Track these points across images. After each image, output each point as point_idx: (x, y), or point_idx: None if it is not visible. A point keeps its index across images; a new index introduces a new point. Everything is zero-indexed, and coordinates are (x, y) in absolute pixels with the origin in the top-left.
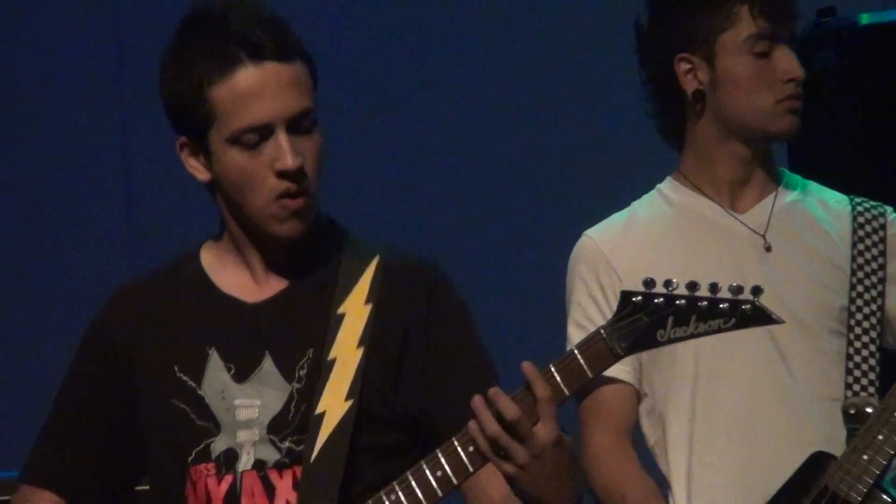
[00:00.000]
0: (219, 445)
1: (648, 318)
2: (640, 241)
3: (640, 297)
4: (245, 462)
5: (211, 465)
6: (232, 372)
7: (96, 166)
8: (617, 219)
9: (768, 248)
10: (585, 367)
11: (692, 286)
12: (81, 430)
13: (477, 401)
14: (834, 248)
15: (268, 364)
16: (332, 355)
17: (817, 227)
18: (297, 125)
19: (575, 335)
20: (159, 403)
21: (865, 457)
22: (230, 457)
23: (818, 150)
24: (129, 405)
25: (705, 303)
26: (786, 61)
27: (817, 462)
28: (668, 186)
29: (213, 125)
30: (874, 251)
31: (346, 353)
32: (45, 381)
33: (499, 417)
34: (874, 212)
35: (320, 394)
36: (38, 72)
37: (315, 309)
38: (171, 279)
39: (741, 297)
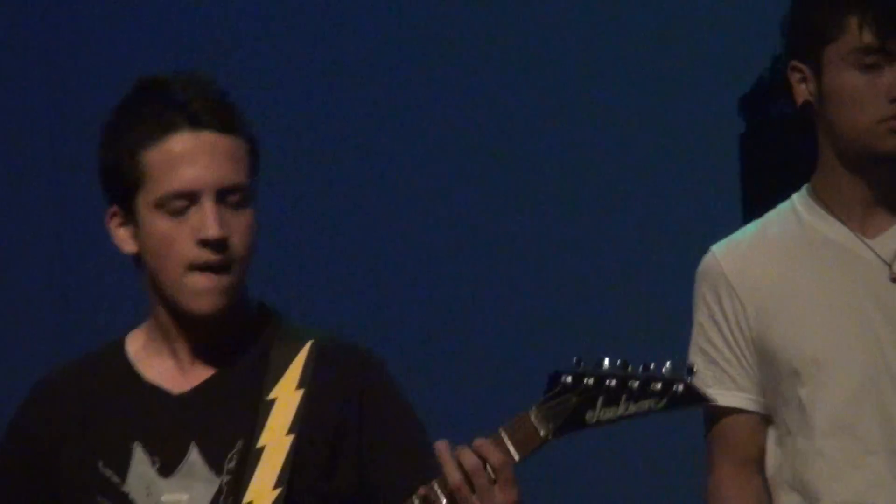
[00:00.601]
0: None
1: (577, 399)
2: (766, 263)
3: (569, 378)
4: None
5: None
6: (157, 466)
7: (29, 244)
8: (747, 232)
9: (894, 279)
10: (513, 450)
11: (624, 365)
12: None
13: (440, 445)
14: None
15: (194, 456)
16: (261, 443)
17: None
18: (227, 198)
19: (696, 358)
20: (83, 501)
21: None
22: None
23: (777, 200)
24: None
25: (636, 383)
26: (892, 78)
27: None
28: (802, 202)
29: (141, 189)
30: None
31: (276, 440)
32: None
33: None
34: None
35: (248, 483)
36: None
37: (244, 395)
38: (94, 370)
39: (674, 376)
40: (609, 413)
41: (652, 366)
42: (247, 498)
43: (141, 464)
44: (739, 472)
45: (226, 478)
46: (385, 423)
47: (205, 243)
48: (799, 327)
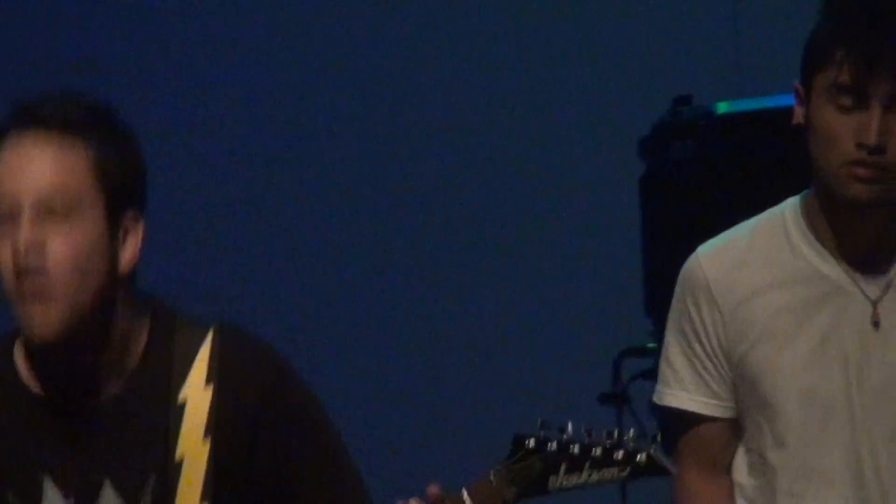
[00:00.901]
0: None
1: (541, 464)
2: (752, 281)
3: (532, 442)
4: None
5: None
6: (72, 502)
7: None
8: (735, 242)
9: (876, 324)
10: None
11: (588, 432)
12: None
13: (432, 489)
14: None
15: (109, 492)
16: (178, 455)
17: None
18: (48, 207)
19: (675, 359)
20: None
21: None
22: None
23: (679, 250)
24: None
25: (599, 451)
26: (864, 122)
27: None
28: (793, 220)
29: None
30: None
31: (194, 448)
32: None
33: None
34: None
35: (173, 502)
36: None
37: (152, 404)
38: None
39: (637, 447)
40: (572, 480)
41: (615, 433)
42: None
43: (54, 500)
44: (709, 473)
45: None
46: (299, 422)
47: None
48: (777, 359)
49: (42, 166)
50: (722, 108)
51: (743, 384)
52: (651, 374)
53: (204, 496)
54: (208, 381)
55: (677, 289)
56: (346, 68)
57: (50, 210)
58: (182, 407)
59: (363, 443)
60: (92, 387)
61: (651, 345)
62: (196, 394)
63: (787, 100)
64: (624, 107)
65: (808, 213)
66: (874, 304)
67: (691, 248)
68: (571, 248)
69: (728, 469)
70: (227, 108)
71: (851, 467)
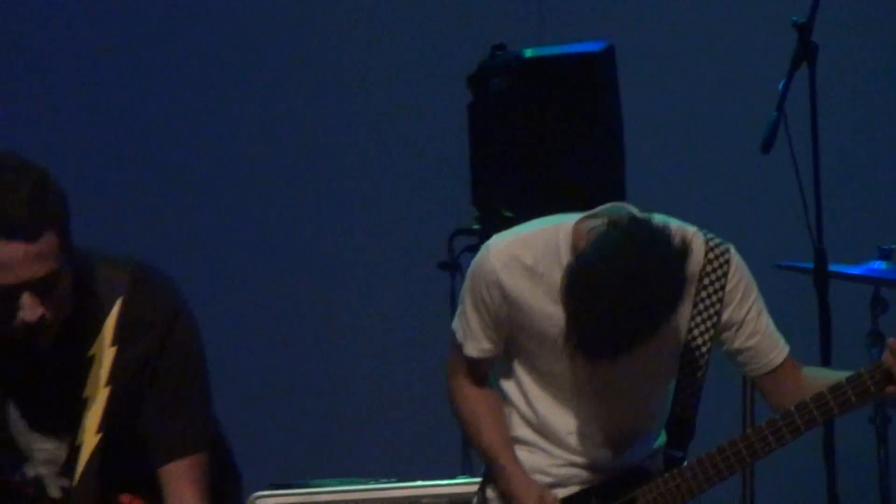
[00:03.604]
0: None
1: None
2: (531, 288)
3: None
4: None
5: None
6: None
7: None
8: (523, 248)
9: None
10: None
11: None
12: None
13: None
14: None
15: (43, 417)
16: (85, 394)
17: None
18: None
19: (459, 324)
20: None
21: (674, 487)
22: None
23: (497, 160)
24: None
25: None
26: None
27: (636, 473)
28: (565, 244)
29: None
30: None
31: (96, 391)
32: None
33: None
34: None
35: (79, 428)
36: None
37: (71, 356)
38: None
39: None
40: None
41: None
42: (78, 440)
43: (14, 416)
44: (478, 384)
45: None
46: (168, 380)
47: None
48: (537, 349)
49: (23, 266)
50: (528, 53)
51: (515, 345)
52: (474, 249)
53: (100, 428)
54: (112, 343)
55: (473, 272)
56: None
57: (37, 287)
58: (91, 359)
59: None
60: (35, 343)
61: (476, 227)
62: (102, 350)
63: (576, 48)
64: (455, 51)
65: (575, 243)
66: None
67: (505, 155)
68: (419, 154)
69: (487, 381)
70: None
71: (566, 412)
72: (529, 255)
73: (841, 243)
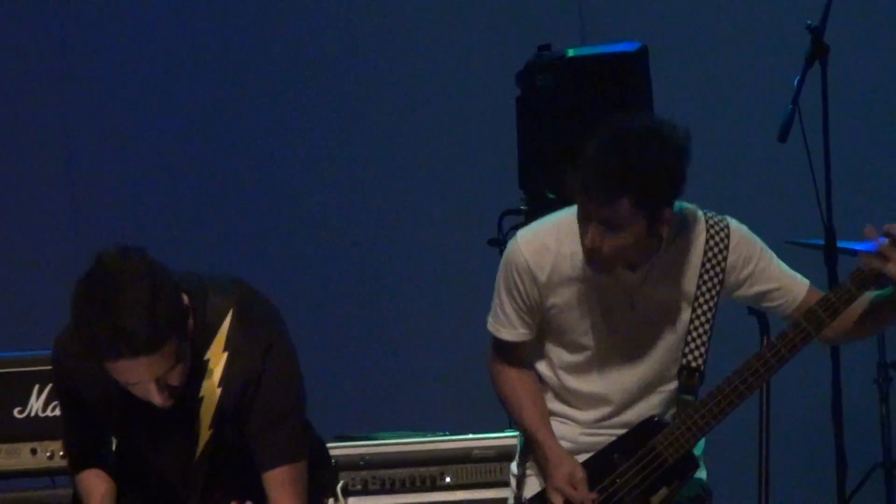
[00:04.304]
0: None
1: None
2: (559, 270)
3: None
4: None
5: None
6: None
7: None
8: (548, 234)
9: (632, 304)
10: None
11: None
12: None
13: None
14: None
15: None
16: (200, 394)
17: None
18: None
19: (500, 313)
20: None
21: (686, 428)
22: None
23: (541, 149)
24: None
25: None
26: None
27: (650, 425)
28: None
29: None
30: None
31: (211, 391)
32: None
33: None
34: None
35: (197, 423)
36: None
37: (192, 360)
38: None
39: None
40: None
41: None
42: (194, 432)
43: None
44: (517, 366)
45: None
46: (265, 403)
47: None
48: (570, 322)
49: (148, 373)
50: (570, 52)
51: (547, 325)
52: (521, 227)
53: (212, 425)
54: (224, 349)
55: (505, 263)
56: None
57: (160, 379)
58: (206, 363)
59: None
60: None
61: (522, 208)
62: (216, 356)
63: (613, 48)
64: (505, 51)
65: None
66: (631, 292)
67: (550, 144)
68: (474, 143)
69: (525, 363)
70: None
71: (597, 384)
72: (553, 239)
73: (848, 223)
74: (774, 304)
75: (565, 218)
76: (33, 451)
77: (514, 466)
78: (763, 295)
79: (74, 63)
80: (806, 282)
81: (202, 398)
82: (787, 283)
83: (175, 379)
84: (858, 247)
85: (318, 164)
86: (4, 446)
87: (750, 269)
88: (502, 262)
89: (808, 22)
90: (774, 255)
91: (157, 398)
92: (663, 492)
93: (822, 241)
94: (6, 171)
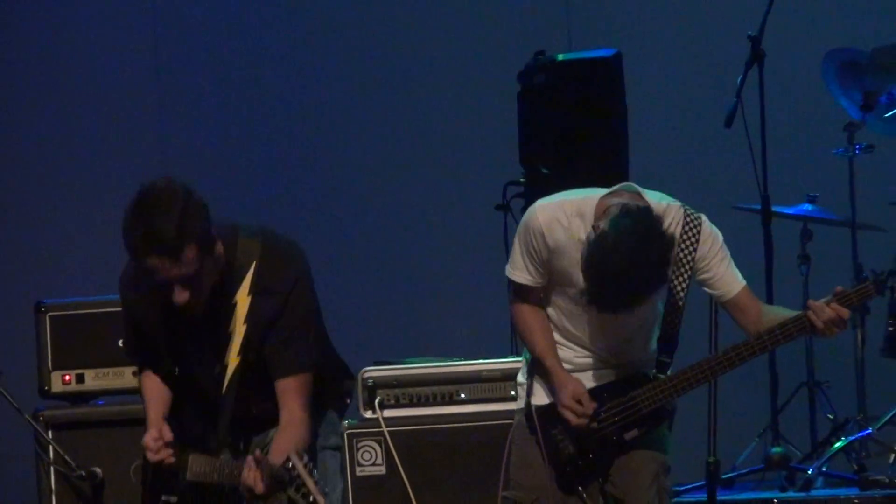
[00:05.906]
0: None
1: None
2: (564, 237)
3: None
4: None
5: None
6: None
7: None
8: (563, 209)
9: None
10: None
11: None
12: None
13: None
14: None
15: (207, 350)
16: (229, 331)
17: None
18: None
19: (518, 265)
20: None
21: (662, 389)
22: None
23: (537, 133)
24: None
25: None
26: None
27: (637, 378)
28: (590, 214)
29: None
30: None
31: (238, 328)
32: None
33: None
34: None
35: (225, 352)
36: None
37: (222, 303)
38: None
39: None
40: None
41: None
42: (225, 361)
43: (192, 352)
44: (531, 306)
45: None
46: (285, 326)
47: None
48: (570, 271)
49: (169, 270)
50: (560, 56)
51: (551, 280)
52: (521, 195)
53: (238, 354)
54: (250, 292)
55: (524, 225)
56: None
57: (181, 281)
58: (234, 305)
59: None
60: (188, 310)
61: (522, 180)
62: (243, 298)
63: (593, 54)
64: (508, 55)
65: (597, 215)
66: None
67: (544, 129)
68: (485, 128)
69: (539, 304)
70: None
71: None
72: (565, 216)
73: (779, 191)
74: (714, 291)
75: (576, 200)
76: (134, 374)
77: (520, 377)
78: (706, 281)
79: (166, 60)
80: (743, 282)
81: (231, 333)
82: (728, 279)
83: (196, 289)
84: (788, 210)
85: (368, 152)
86: (112, 370)
87: (707, 261)
88: (522, 221)
89: (749, 32)
90: (729, 255)
91: (176, 297)
92: (635, 431)
93: (759, 206)
94: (103, 163)
